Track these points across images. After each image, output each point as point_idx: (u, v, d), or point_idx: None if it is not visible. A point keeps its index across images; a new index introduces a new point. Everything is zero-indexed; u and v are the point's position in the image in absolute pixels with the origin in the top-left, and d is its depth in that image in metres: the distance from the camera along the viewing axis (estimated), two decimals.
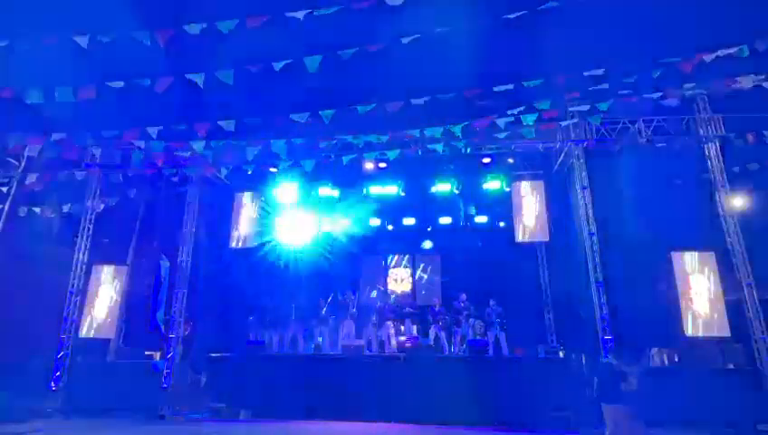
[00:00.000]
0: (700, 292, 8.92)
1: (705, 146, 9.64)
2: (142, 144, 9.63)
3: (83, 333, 10.31)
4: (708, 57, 7.41)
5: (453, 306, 11.37)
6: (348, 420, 8.73)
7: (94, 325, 10.35)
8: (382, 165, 11.50)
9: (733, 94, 8.36)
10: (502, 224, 12.99)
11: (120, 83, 7.55)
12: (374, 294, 13.07)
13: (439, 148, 9.82)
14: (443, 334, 11.10)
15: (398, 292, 14.20)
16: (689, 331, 8.71)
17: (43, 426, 8.67)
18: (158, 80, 7.44)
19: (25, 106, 8.10)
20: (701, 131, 9.62)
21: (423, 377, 9.16)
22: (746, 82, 7.92)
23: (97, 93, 7.61)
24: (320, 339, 11.29)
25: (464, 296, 11.26)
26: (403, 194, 12.60)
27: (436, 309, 11.68)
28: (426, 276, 14.33)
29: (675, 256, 9.19)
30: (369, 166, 11.46)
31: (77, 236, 10.91)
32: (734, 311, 8.97)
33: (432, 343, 10.92)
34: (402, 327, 11.40)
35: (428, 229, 13.63)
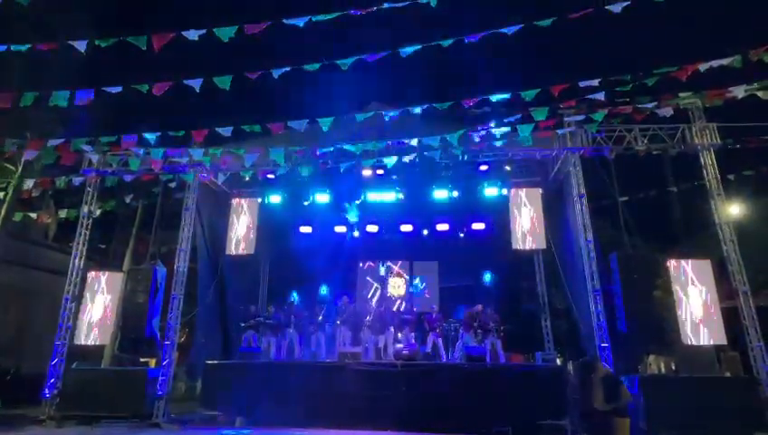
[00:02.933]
0: (696, 299, 8.94)
1: (700, 154, 9.70)
2: (140, 150, 9.65)
3: (78, 339, 10.23)
4: (702, 66, 7.50)
5: (449, 314, 11.29)
6: (345, 428, 8.67)
7: (89, 332, 10.28)
8: (380, 172, 11.53)
9: (728, 102, 8.45)
10: (499, 233, 13.02)
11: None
12: (372, 300, 13.04)
13: (437, 155, 9.86)
14: (440, 342, 11.08)
15: (396, 297, 14.19)
16: (686, 338, 8.72)
17: (36, 434, 8.59)
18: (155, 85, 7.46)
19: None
20: (696, 140, 9.69)
21: (420, 385, 9.12)
22: (739, 92, 8.00)
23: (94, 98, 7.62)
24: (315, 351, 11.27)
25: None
26: (401, 199, 12.62)
27: (434, 316, 11.67)
28: (424, 283, 14.33)
29: (671, 263, 9.21)
30: (366, 173, 11.49)
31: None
32: (731, 318, 9.00)
33: (430, 350, 10.89)
34: (400, 335, 11.38)
35: (425, 233, 13.63)
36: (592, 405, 4.70)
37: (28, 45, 7.04)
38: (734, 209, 14.40)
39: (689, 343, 8.71)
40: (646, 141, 9.81)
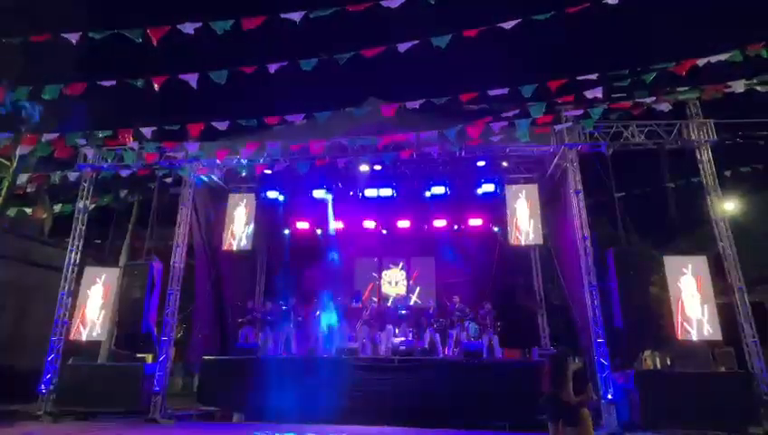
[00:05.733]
0: (692, 295, 8.98)
1: (697, 150, 9.72)
2: (135, 145, 9.57)
3: (74, 335, 10.20)
4: (701, 62, 7.49)
5: (447, 309, 11.41)
6: (342, 423, 8.69)
7: (85, 328, 10.24)
8: (377, 167, 11.50)
9: (724, 98, 8.45)
10: (496, 229, 13.04)
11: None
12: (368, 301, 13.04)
13: (434, 151, 9.84)
14: (438, 337, 11.10)
15: (393, 295, 14.20)
16: (681, 334, 8.76)
17: (33, 429, 8.57)
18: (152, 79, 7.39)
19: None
20: (693, 136, 9.70)
21: (417, 380, 9.14)
22: (738, 86, 7.99)
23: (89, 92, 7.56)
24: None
25: (457, 299, 11.30)
26: (398, 195, 12.60)
27: (431, 312, 11.69)
28: (421, 279, 14.34)
29: (667, 259, 9.25)
30: (364, 168, 11.46)
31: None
32: (726, 314, 9.04)
33: (427, 346, 10.91)
34: (397, 330, 11.39)
35: (422, 229, 13.61)
36: (563, 397, 4.83)
37: (21, 38, 6.98)
38: (730, 205, 14.44)
39: (685, 338, 8.76)
40: (643, 137, 9.82)
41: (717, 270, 9.30)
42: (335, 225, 13.60)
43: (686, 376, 8.39)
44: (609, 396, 8.42)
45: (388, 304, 13.25)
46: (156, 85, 7.26)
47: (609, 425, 8.22)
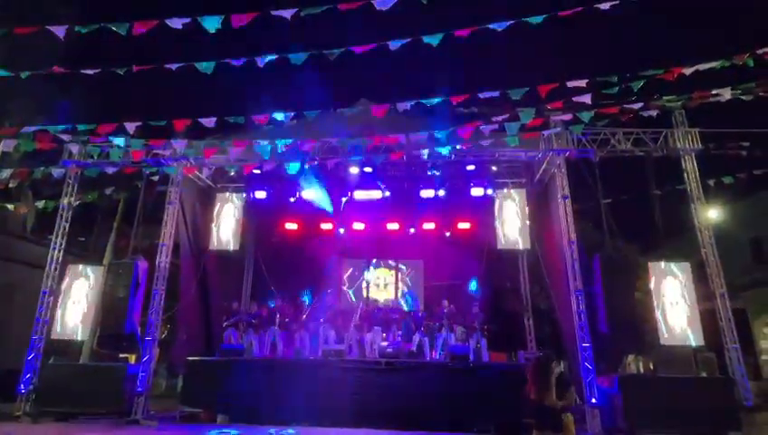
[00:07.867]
0: (675, 301, 9.11)
1: (682, 159, 9.88)
2: (122, 142, 9.42)
3: (56, 334, 10.01)
4: (688, 70, 7.60)
5: (435, 312, 11.42)
6: (328, 426, 8.64)
7: (67, 326, 10.06)
8: (368, 169, 11.48)
9: (709, 108, 8.59)
10: (484, 231, 13.09)
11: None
12: (353, 298, 13.00)
13: (425, 153, 9.85)
14: (426, 340, 11.10)
15: (382, 297, 14.17)
16: (664, 339, 8.87)
17: (11, 430, 8.38)
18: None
19: None
20: (678, 144, 9.86)
21: (404, 383, 9.12)
22: (725, 93, 8.11)
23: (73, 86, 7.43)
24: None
25: (446, 302, 11.31)
26: (388, 197, 12.58)
27: (420, 315, 11.69)
28: (409, 282, 14.35)
29: (652, 265, 9.37)
30: (353, 170, 11.43)
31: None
32: (708, 320, 9.18)
33: (415, 349, 10.90)
34: (385, 333, 11.36)
35: (411, 231, 13.59)
36: (545, 401, 4.83)
37: (5, 30, 6.83)
38: (714, 213, 14.71)
39: (668, 343, 8.87)
40: (629, 145, 9.96)
41: (700, 276, 9.45)
42: (324, 226, 13.53)
43: (669, 381, 8.50)
44: (594, 400, 8.48)
45: (377, 306, 13.21)
46: (137, 70, 7.11)
47: (593, 429, 8.28)
